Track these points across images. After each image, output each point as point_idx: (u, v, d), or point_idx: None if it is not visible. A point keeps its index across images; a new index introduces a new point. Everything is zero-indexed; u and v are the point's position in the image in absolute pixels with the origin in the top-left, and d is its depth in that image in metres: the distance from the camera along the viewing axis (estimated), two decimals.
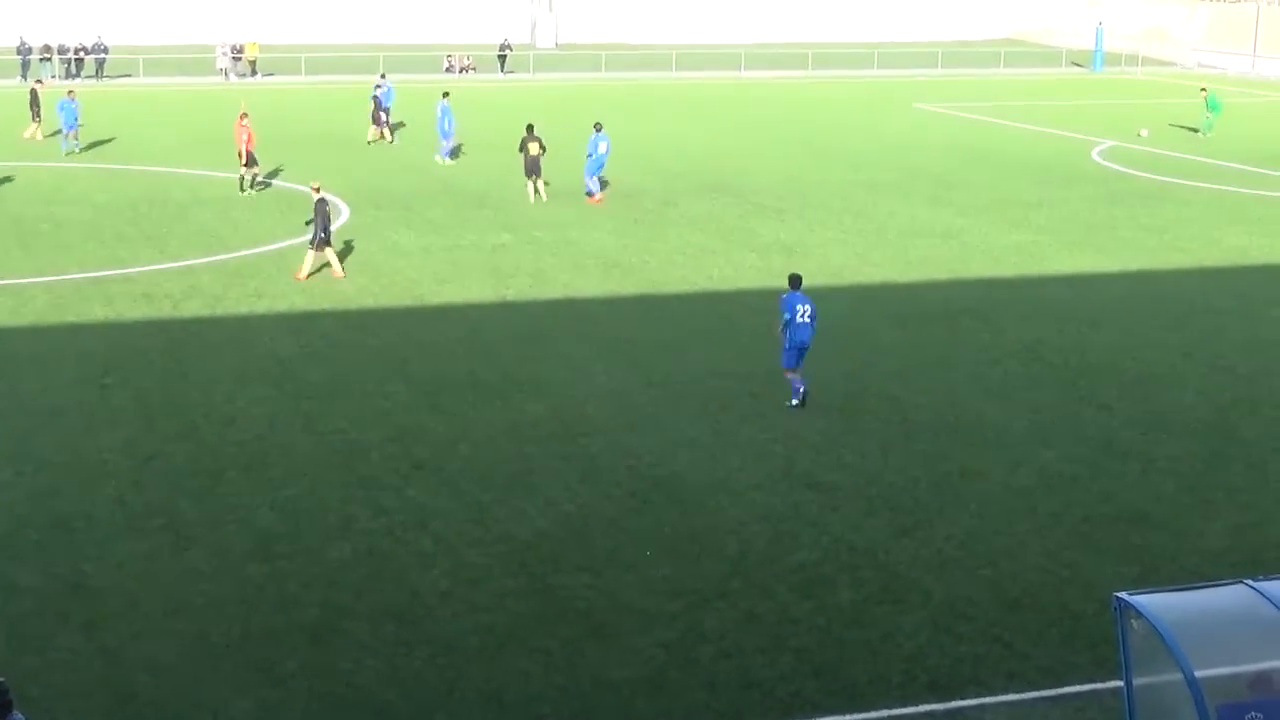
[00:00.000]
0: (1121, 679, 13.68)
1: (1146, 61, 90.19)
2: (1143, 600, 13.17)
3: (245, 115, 45.59)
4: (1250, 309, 32.99)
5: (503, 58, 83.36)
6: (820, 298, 33.28)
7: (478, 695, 16.19)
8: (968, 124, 62.86)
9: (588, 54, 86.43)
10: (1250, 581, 13.51)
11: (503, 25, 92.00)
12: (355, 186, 45.82)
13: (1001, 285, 35.03)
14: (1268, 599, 13.00)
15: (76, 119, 52.24)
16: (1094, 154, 55.40)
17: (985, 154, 55.39)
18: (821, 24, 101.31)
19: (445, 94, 52.24)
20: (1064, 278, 35.91)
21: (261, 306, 31.73)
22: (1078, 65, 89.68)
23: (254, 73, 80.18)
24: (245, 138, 44.84)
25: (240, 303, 31.99)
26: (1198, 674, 12.43)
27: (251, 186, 45.25)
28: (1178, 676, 12.56)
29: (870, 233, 40.62)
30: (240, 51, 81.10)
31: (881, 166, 52.09)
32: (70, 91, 54.50)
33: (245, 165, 45.12)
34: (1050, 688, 16.47)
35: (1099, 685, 16.23)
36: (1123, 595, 13.27)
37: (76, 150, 52.23)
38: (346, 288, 33.33)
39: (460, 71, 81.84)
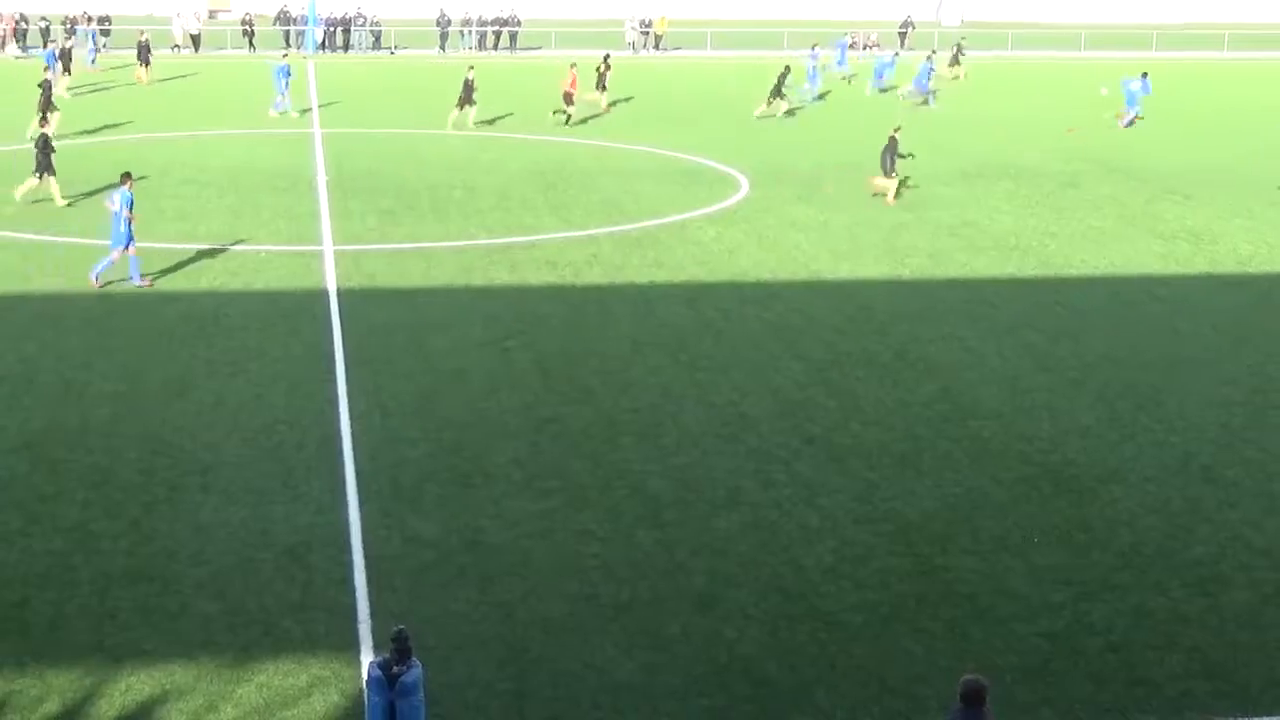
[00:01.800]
0: None
1: None
2: None
3: (574, 66, 53.68)
4: None
5: (903, 34, 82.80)
6: (1227, 286, 32.43)
7: (858, 672, 16.23)
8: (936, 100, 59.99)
9: (994, 32, 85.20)
10: None
11: (907, 2, 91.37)
12: (753, 161, 46.19)
13: None
14: None
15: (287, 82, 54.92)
16: None
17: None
18: (1236, 2, 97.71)
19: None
20: None
21: (660, 276, 32.29)
22: None
23: (659, 46, 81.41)
24: (571, 81, 52.76)
25: (639, 272, 32.61)
26: None
27: (566, 122, 52.58)
28: None
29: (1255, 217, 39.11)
30: (649, 25, 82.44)
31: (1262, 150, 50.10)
32: (284, 55, 57.74)
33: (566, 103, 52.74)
34: None
35: None
36: None
37: (289, 111, 54.48)
38: (743, 262, 33.66)
39: (864, 48, 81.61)
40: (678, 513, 20.15)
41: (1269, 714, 15.46)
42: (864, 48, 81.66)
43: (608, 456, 22.08)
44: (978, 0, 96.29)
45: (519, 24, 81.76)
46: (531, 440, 22.68)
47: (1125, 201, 41.13)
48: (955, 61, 67.60)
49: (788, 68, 57.56)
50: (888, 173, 40.91)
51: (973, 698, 12.15)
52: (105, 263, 30.53)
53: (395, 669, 13.51)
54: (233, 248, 33.18)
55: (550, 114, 53.32)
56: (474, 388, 25.02)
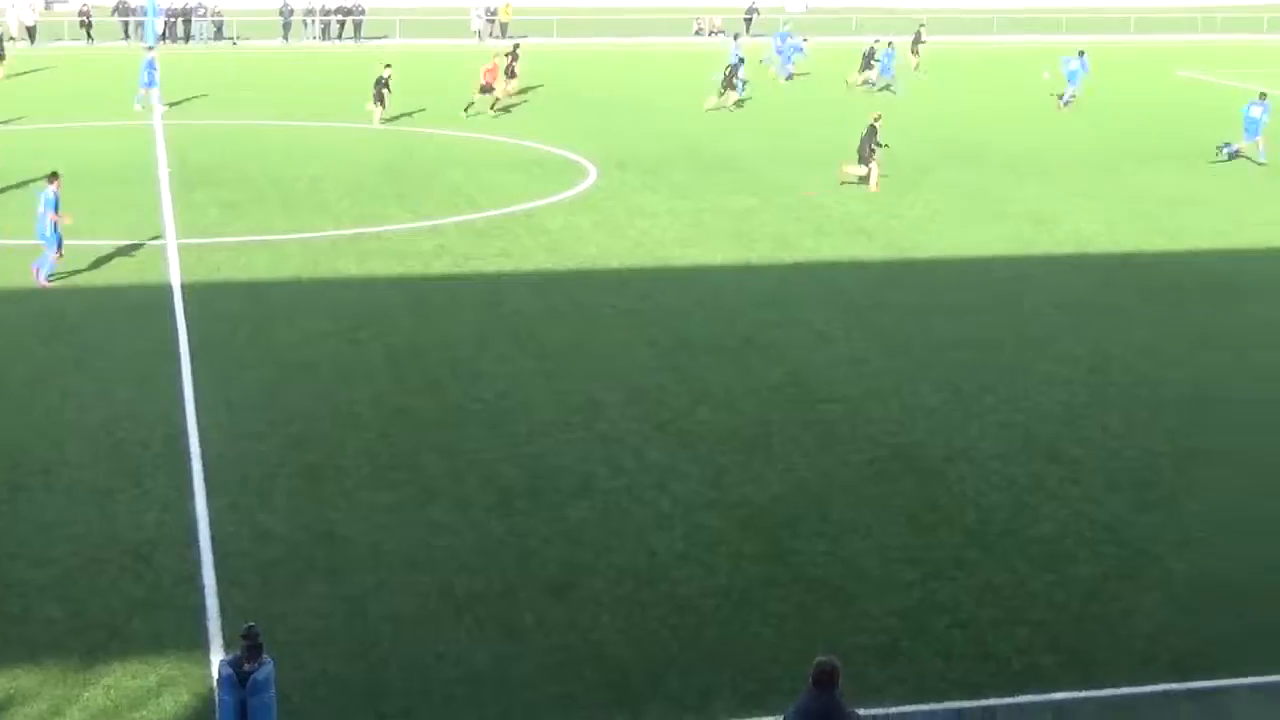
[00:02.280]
0: None
1: None
2: None
3: (496, 56, 53.85)
4: None
5: (749, 20, 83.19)
6: (1070, 267, 32.99)
7: (711, 656, 16.32)
8: (1233, 92, 61.15)
9: (838, 18, 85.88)
10: None
11: None
12: (601, 149, 46.18)
13: (1268, 258, 34.06)
14: None
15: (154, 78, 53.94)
16: None
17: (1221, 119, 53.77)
18: None
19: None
20: None
21: (508, 266, 32.21)
22: None
23: (505, 34, 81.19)
24: (492, 71, 52.75)
25: (487, 262, 32.50)
26: None
27: (491, 109, 52.35)
28: None
29: (1125, 202, 39.78)
30: (494, 14, 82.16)
31: (1139, 135, 50.93)
32: (150, 49, 57.13)
33: (480, 93, 52.30)
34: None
35: None
36: None
37: (150, 108, 53.73)
38: (592, 250, 33.67)
39: (710, 34, 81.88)
40: (529, 502, 20.13)
41: (1113, 685, 15.74)
42: (709, 33, 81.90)
43: (458, 447, 21.99)
44: None
45: (363, 12, 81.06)
46: (381, 432, 22.54)
47: (970, 184, 41.64)
48: (914, 50, 67.55)
49: (741, 59, 57.89)
50: (864, 160, 41.12)
51: (824, 679, 12.25)
52: (48, 263, 30.00)
53: (246, 667, 13.38)
54: (74, 243, 32.58)
55: (463, 112, 52.52)
56: (322, 380, 24.81)
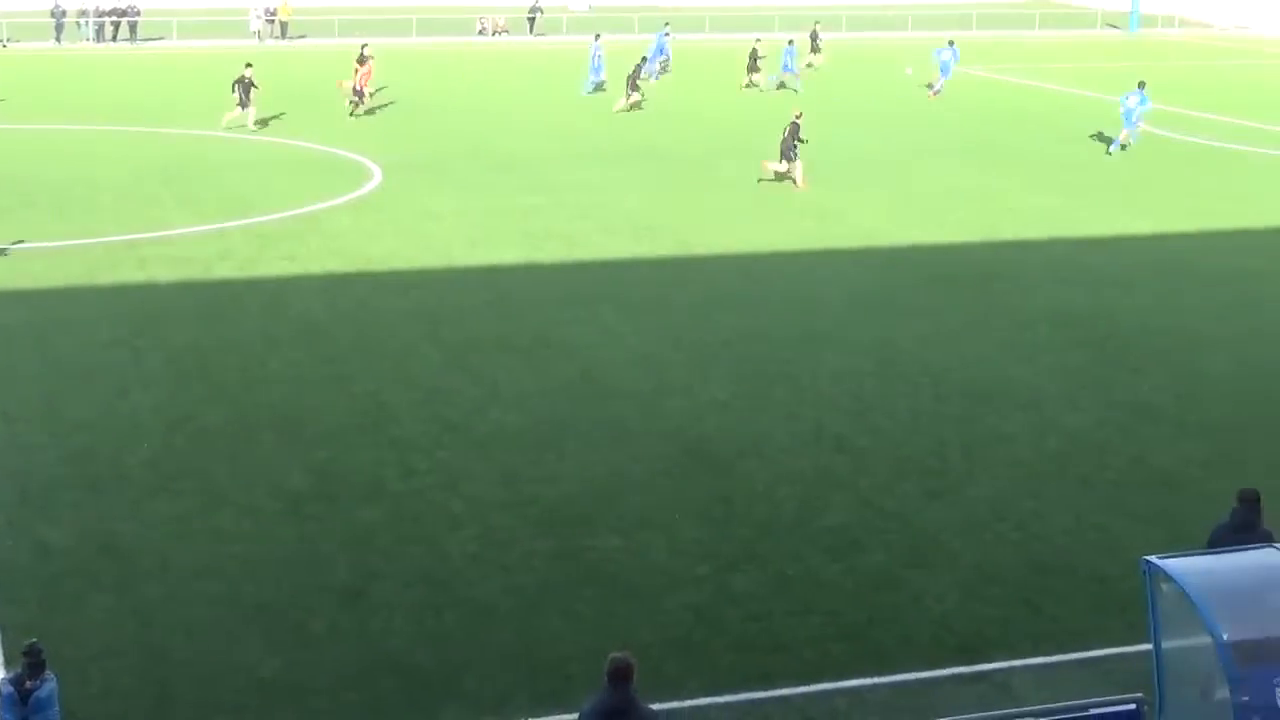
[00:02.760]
0: (1150, 643, 13.67)
1: (1184, 23, 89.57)
2: (1172, 564, 13.16)
3: (371, 58, 53.63)
4: None
5: (532, 19, 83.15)
6: (853, 261, 33.47)
7: (507, 656, 16.27)
8: (1002, 86, 62.52)
9: (621, 16, 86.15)
10: (1279, 545, 13.49)
11: None
12: (387, 149, 45.81)
13: (1034, 247, 34.89)
14: None
15: None
16: None
17: (1019, 116, 55.10)
18: None
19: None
20: (1097, 240, 35.76)
21: (294, 269, 31.80)
22: (1113, 26, 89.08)
23: (285, 35, 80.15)
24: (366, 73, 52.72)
25: (272, 265, 32.06)
26: (1226, 638, 12.42)
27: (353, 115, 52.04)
28: (1207, 640, 12.55)
29: (904, 196, 40.49)
30: (273, 14, 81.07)
31: (916, 129, 51.84)
32: None
33: (354, 95, 52.37)
34: (1078, 651, 16.48)
35: (1127, 649, 16.21)
36: (1152, 559, 13.26)
37: None
38: (379, 251, 33.36)
39: (493, 34, 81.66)
40: (319, 507, 19.88)
41: (904, 671, 16.00)
42: (493, 33, 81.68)
43: (245, 453, 21.65)
44: None
45: (138, 14, 79.46)
46: (165, 440, 22.10)
47: (756, 180, 42.02)
48: (814, 49, 67.57)
49: (644, 58, 57.54)
50: (787, 157, 41.27)
51: (619, 675, 12.26)
52: None
53: (28, 684, 13.01)
54: None
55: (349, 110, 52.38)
56: (103, 388, 24.26)
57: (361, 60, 54.31)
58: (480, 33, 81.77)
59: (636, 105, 54.69)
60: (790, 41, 62.50)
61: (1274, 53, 77.34)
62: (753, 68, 60.92)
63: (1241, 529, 15.08)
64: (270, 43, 77.63)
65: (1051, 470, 21.58)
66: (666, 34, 66.90)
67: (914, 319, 28.84)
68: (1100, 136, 49.38)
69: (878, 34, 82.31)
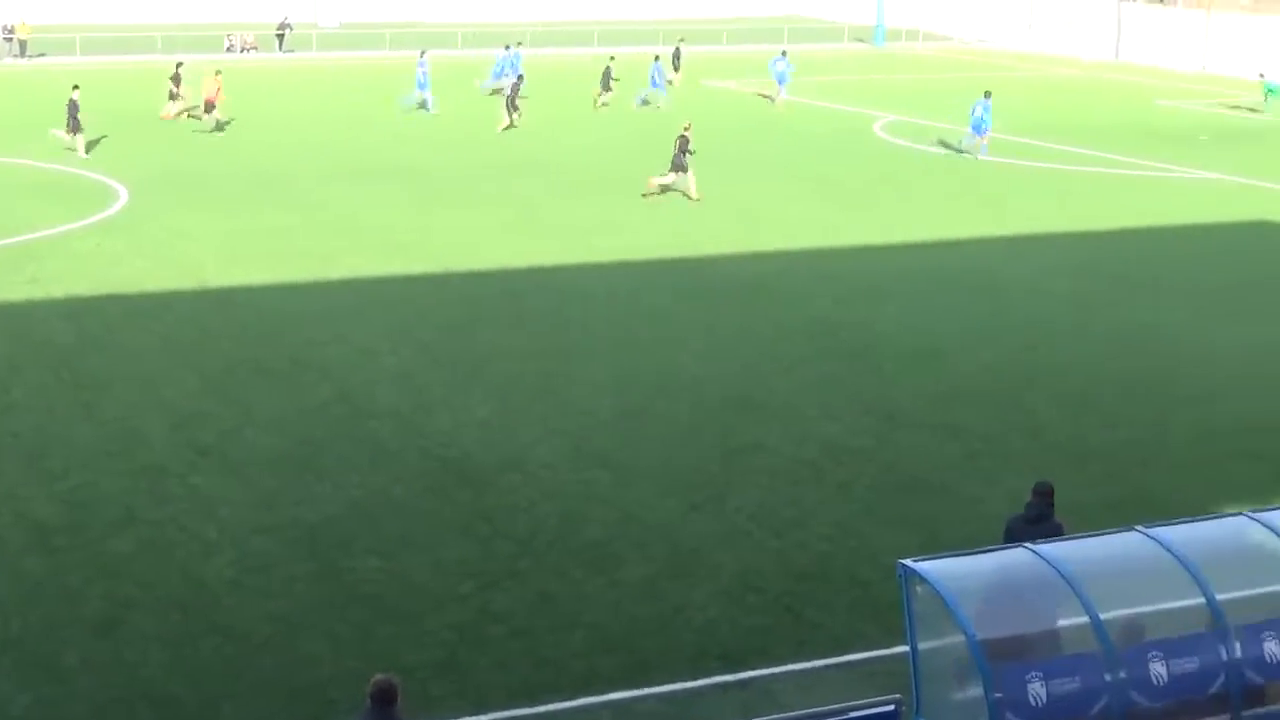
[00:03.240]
0: (907, 644, 13.90)
1: (928, 37, 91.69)
2: (927, 566, 13.40)
3: (219, 73, 52.85)
4: (1033, 279, 33.75)
5: (281, 36, 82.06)
6: (615, 273, 33.57)
7: (266, 683, 15.97)
8: (754, 100, 63.34)
9: (373, 33, 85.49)
10: (1030, 545, 13.81)
11: (283, 3, 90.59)
12: (137, 167, 44.78)
13: (790, 258, 35.38)
14: (1046, 560, 13.30)
15: None
16: (876, 128, 56.19)
17: (772, 128, 55.85)
18: (611, 2, 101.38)
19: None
20: (851, 250, 36.39)
21: (38, 293, 30.89)
22: (860, 40, 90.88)
23: (25, 53, 78.01)
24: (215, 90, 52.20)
25: (15, 290, 31.09)
26: (979, 636, 12.68)
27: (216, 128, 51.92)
28: (961, 640, 12.81)
29: (668, 208, 40.72)
30: (11, 31, 78.84)
31: (670, 142, 52.10)
32: None
33: (205, 111, 52.28)
34: (838, 655, 16.71)
35: (886, 651, 16.48)
36: (907, 562, 13.49)
37: None
38: (128, 273, 32.58)
39: (242, 51, 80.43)
40: (68, 537, 19.32)
41: (669, 681, 16.07)
42: (241, 49, 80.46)
43: None
44: (357, 2, 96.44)
45: None
46: None
47: (515, 196, 41.96)
48: (675, 66, 66.90)
49: (521, 76, 56.39)
50: (678, 169, 41.35)
51: (382, 697, 12.10)
52: None
53: None
54: None
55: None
56: None
57: (176, 80, 53.94)
58: (229, 50, 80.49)
59: (513, 126, 54.27)
60: (657, 58, 62.77)
61: (1009, 64, 79.53)
62: (606, 86, 60.31)
63: (1035, 520, 15.62)
64: (9, 61, 75.51)
65: (810, 479, 21.87)
66: (506, 51, 65.30)
67: (677, 332, 29.02)
68: (874, 150, 50.28)
69: (636, 49, 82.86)
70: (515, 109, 54.33)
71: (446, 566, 18.75)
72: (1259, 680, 13.14)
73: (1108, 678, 12.75)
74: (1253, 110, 62.19)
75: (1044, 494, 15.88)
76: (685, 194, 41.35)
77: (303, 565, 18.70)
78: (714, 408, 24.84)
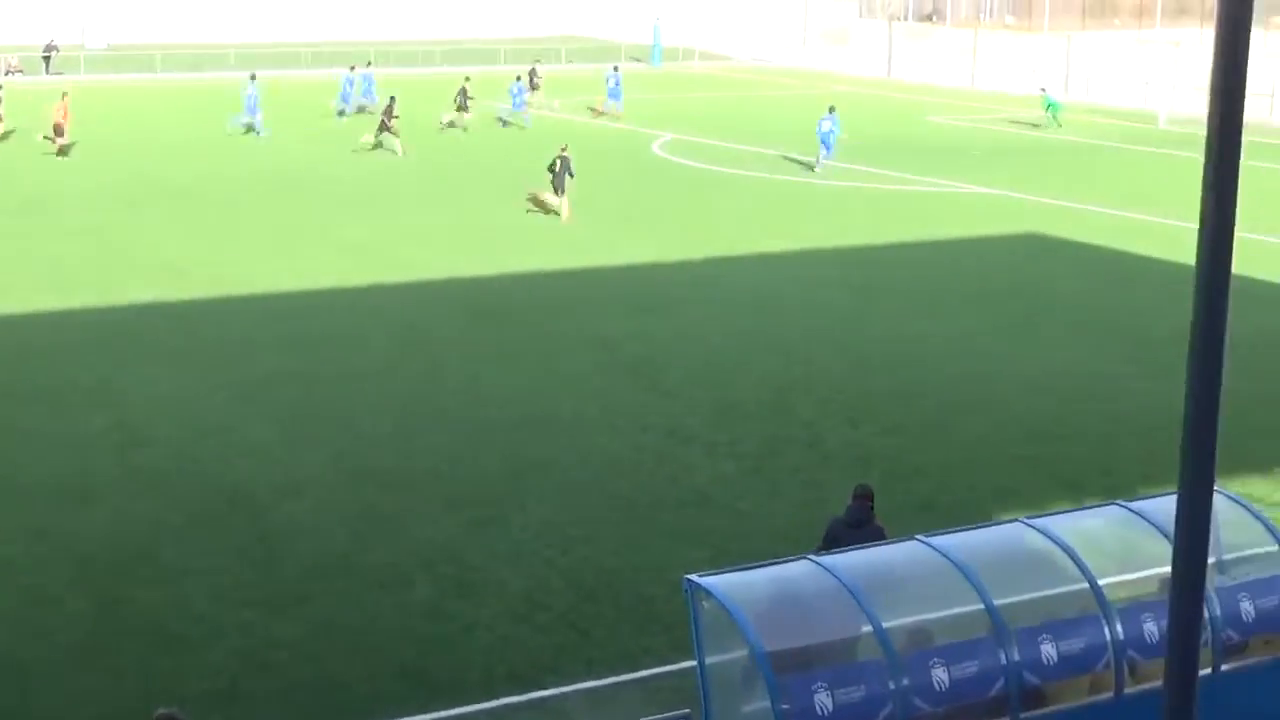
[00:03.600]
0: (695, 659, 13.97)
1: (705, 56, 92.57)
2: (713, 581, 13.49)
3: (66, 95, 52.27)
4: (804, 292, 34.24)
5: (48, 58, 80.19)
6: (389, 294, 33.33)
7: (42, 719, 15.55)
8: (532, 119, 63.40)
9: (142, 54, 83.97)
10: (813, 556, 13.98)
11: (48, 25, 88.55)
12: None
13: (573, 276, 35.44)
14: (829, 571, 13.48)
15: None
16: (654, 146, 56.58)
17: (551, 147, 55.75)
18: (380, 23, 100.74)
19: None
20: (631, 267, 36.57)
21: None
22: (637, 60, 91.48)
23: None
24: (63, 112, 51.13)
25: None
26: (766, 649, 12.80)
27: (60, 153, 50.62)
28: (748, 652, 12.91)
29: (448, 228, 40.54)
30: None
31: (453, 161, 52.00)
32: None
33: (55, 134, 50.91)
34: (627, 672, 16.75)
35: (674, 666, 16.55)
36: (693, 577, 13.56)
37: None
38: None
39: (6, 74, 78.40)
40: None
41: (459, 703, 15.97)
42: (6, 73, 78.44)
43: None
44: (123, 24, 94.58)
45: None
46: None
47: (294, 216, 41.45)
48: (533, 86, 65.80)
49: (390, 100, 54.59)
50: (557, 191, 41.43)
51: None
52: None
53: None
54: None
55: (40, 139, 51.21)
56: None
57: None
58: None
59: (377, 145, 53.40)
60: (518, 78, 62.44)
61: (786, 83, 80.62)
62: (463, 106, 58.95)
63: (856, 525, 15.97)
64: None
65: (595, 495, 21.92)
66: (352, 70, 63.79)
67: (459, 351, 28.91)
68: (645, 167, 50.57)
69: (414, 70, 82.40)
70: (388, 129, 53.65)
71: (228, 594, 18.43)
72: (1036, 681, 13.46)
73: (891, 685, 12.95)
74: (1035, 125, 63.72)
75: (864, 498, 16.23)
76: (556, 213, 41.40)
77: (79, 598, 18.26)
78: (497, 426, 24.78)
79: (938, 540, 14.20)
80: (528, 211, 42.18)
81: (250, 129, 56.69)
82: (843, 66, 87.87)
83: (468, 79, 61.47)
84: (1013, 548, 14.76)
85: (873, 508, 16.21)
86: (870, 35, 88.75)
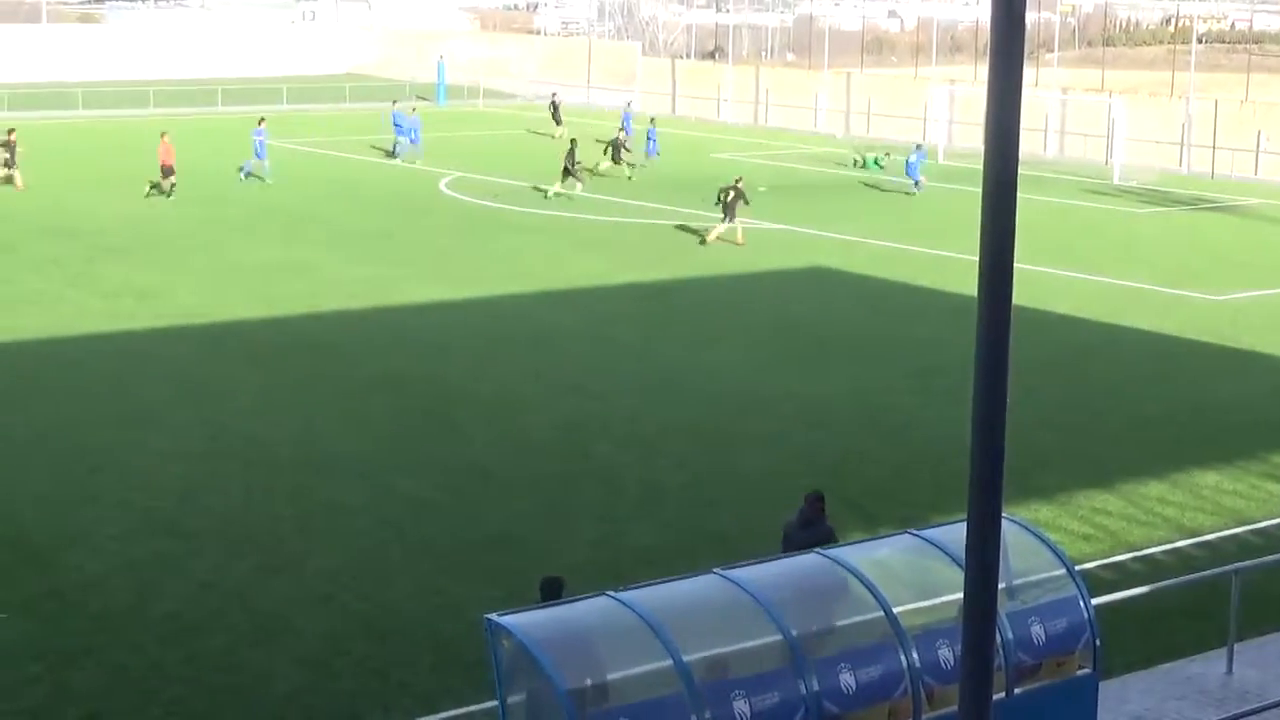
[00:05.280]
0: (496, 699, 13.89)
1: (488, 94, 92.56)
2: (512, 620, 13.42)
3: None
4: (594, 328, 34.37)
5: None
6: (174, 339, 32.75)
7: None
8: (317, 159, 62.88)
9: None
10: (611, 592, 13.99)
11: None
12: None
13: (357, 318, 35.15)
14: (628, 607, 13.49)
15: None
16: (442, 185, 56.41)
17: (336, 188, 55.42)
18: (160, 61, 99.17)
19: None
20: (418, 307, 36.37)
21: None
22: (423, 98, 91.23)
23: None
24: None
25: None
26: (566, 686, 12.77)
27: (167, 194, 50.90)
28: (550, 690, 12.87)
29: (223, 271, 39.98)
30: None
31: (232, 203, 51.34)
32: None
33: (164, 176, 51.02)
34: (427, 714, 16.60)
35: (475, 707, 16.44)
36: (493, 617, 13.48)
37: None
38: None
39: None
40: None
41: None
42: None
43: None
44: None
45: None
46: None
47: (63, 261, 40.57)
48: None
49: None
50: (729, 218, 43.04)
51: None
52: None
53: None
54: None
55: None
56: None
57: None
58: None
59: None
60: (413, 109, 64.09)
61: (571, 120, 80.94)
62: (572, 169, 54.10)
63: (807, 525, 16.88)
64: None
65: (390, 537, 21.71)
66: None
67: (242, 396, 28.49)
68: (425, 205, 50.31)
69: (193, 110, 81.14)
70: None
71: (13, 648, 17.92)
72: (836, 710, 13.58)
73: (693, 718, 12.98)
74: (840, 165, 64.32)
75: (814, 501, 17.09)
76: (733, 241, 40.78)
77: None
78: (286, 469, 24.45)
79: (735, 573, 14.29)
80: (701, 243, 42.34)
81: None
82: (629, 104, 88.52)
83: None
84: (809, 578, 14.90)
85: (823, 510, 17.04)
86: (654, 73, 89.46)
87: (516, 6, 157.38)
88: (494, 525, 22.30)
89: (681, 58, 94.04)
